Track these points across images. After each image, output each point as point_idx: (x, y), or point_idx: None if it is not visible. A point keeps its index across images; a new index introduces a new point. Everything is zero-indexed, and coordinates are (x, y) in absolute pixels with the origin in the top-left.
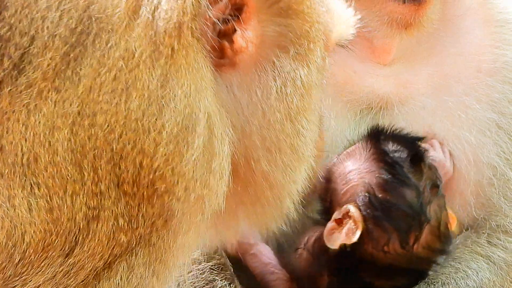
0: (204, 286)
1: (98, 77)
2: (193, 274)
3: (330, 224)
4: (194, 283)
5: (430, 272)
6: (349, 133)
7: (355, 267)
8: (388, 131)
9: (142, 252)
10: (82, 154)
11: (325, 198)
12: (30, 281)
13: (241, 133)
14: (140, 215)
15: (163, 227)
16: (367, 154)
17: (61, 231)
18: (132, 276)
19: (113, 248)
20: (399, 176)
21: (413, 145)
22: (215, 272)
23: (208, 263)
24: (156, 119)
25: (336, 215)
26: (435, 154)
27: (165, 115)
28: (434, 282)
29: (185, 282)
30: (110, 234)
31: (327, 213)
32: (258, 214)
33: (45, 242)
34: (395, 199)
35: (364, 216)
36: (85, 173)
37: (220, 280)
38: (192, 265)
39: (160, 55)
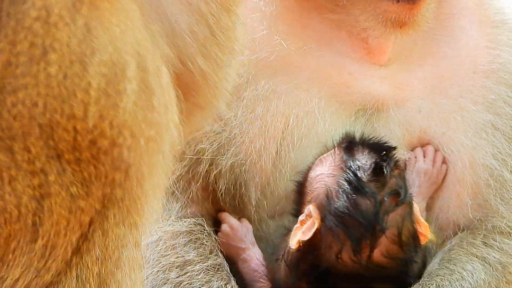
0: (200, 287)
1: (14, 49)
2: (189, 276)
3: (296, 226)
4: (190, 284)
5: (425, 274)
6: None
7: (326, 277)
8: (361, 139)
9: (112, 213)
10: (10, 137)
11: (296, 202)
12: (7, 278)
13: (173, 35)
14: (93, 177)
15: (126, 180)
16: (335, 160)
17: (14, 219)
18: (109, 241)
19: (80, 217)
20: (356, 185)
21: (381, 154)
22: (211, 272)
23: (203, 264)
24: (80, 79)
25: (301, 217)
26: (418, 164)
27: (89, 71)
28: (428, 285)
29: (180, 284)
30: (69, 205)
31: (297, 216)
32: (196, 117)
33: (3, 236)
34: (349, 207)
35: (321, 217)
36: (17, 156)
37: (216, 281)
38: (188, 266)
39: (81, 4)
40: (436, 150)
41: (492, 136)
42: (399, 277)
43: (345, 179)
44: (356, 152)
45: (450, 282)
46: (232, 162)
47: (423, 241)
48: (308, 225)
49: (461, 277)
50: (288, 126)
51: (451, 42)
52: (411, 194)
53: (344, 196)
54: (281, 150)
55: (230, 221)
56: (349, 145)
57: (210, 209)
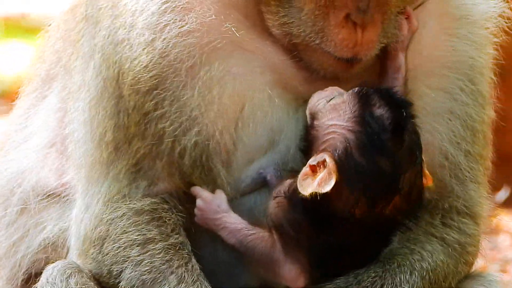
0: (160, 265)
1: None
2: (150, 254)
3: (305, 169)
4: (151, 263)
5: (385, 251)
6: None
7: (327, 219)
8: (378, 90)
9: None
10: None
11: (305, 139)
12: None
13: None
14: None
15: None
16: (352, 112)
17: None
18: None
19: None
20: (377, 144)
21: (399, 111)
22: (172, 251)
23: (165, 242)
24: None
25: (312, 161)
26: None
27: None
28: (390, 263)
29: (141, 262)
30: None
31: (305, 153)
32: None
33: None
34: (369, 165)
35: (338, 170)
36: None
37: (177, 260)
38: (149, 244)
39: None
40: None
41: (448, 121)
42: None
43: (366, 136)
44: (374, 105)
45: (410, 262)
46: (196, 140)
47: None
48: (323, 176)
49: (421, 257)
50: (244, 109)
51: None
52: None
53: (365, 154)
54: (241, 131)
55: (202, 194)
56: (366, 95)
57: (180, 184)
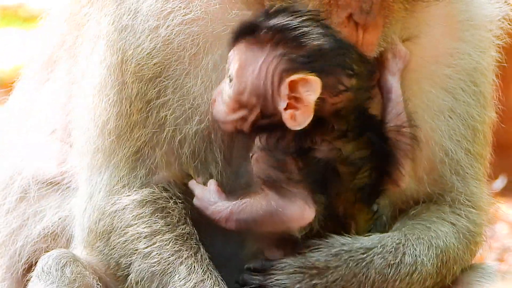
0: (169, 257)
1: None
2: (158, 246)
3: (286, 114)
4: (160, 254)
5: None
6: None
7: (312, 137)
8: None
9: None
10: None
11: (253, 114)
12: None
13: None
14: None
15: None
16: (258, 50)
17: None
18: None
19: None
20: (301, 30)
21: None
22: (180, 242)
23: (172, 234)
24: None
25: (282, 103)
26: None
27: None
28: (410, 233)
29: (150, 254)
30: None
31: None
32: None
33: None
34: (317, 46)
35: (302, 68)
36: None
37: (186, 251)
38: (156, 236)
39: None
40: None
41: (449, 119)
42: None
43: (292, 31)
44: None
45: (428, 238)
46: (197, 128)
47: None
48: (306, 89)
49: (437, 235)
50: None
51: (417, 37)
52: None
53: (304, 42)
54: None
55: (195, 191)
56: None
57: (178, 173)
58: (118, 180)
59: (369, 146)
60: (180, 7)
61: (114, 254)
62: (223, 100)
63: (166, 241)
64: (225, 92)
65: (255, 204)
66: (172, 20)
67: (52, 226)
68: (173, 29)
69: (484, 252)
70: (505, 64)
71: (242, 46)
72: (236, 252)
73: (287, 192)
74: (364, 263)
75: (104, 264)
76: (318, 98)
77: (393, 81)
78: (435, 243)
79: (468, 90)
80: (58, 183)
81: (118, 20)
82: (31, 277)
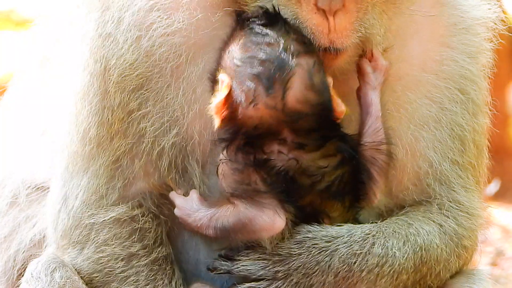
0: (145, 285)
1: None
2: (135, 271)
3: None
4: (136, 281)
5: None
6: None
7: (263, 147)
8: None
9: None
10: None
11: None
12: None
13: None
14: None
15: None
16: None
17: None
18: None
19: None
20: (255, 31)
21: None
22: (156, 268)
23: (148, 258)
24: None
25: (217, 94)
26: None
27: None
28: (386, 227)
29: (126, 279)
30: None
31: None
32: None
33: None
34: (253, 51)
35: (230, 76)
36: None
37: (161, 279)
38: (133, 260)
39: None
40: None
41: (435, 130)
42: (325, 127)
43: (247, 38)
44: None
45: (406, 233)
46: (174, 141)
47: (339, 115)
48: (220, 86)
49: (417, 232)
50: None
51: (404, 38)
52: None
53: (247, 43)
54: None
55: (175, 200)
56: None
57: (156, 186)
58: (96, 189)
59: (336, 154)
60: (162, 18)
61: (87, 266)
62: None
63: (142, 267)
64: None
65: (227, 214)
66: (154, 31)
67: (44, 231)
68: (155, 40)
69: (476, 257)
70: (495, 70)
71: None
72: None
73: (256, 202)
74: (328, 251)
75: (75, 268)
76: (229, 104)
77: (373, 96)
78: (413, 239)
79: (456, 98)
80: (48, 188)
81: (102, 26)
82: (21, 283)
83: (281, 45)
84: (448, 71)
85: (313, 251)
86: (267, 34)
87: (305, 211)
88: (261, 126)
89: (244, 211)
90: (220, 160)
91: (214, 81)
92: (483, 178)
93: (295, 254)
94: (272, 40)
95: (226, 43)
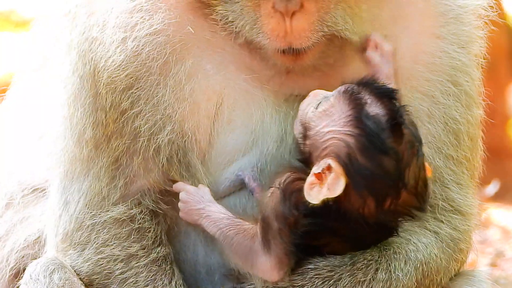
0: (145, 286)
1: None
2: (134, 272)
3: (310, 178)
4: (136, 283)
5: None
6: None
7: (324, 215)
8: (363, 88)
9: None
10: None
11: (302, 151)
12: None
13: None
14: None
15: None
16: (346, 115)
17: None
18: None
19: None
20: (379, 144)
21: (391, 104)
22: (155, 268)
23: (147, 259)
24: None
25: (315, 169)
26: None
27: None
28: (386, 249)
29: (126, 280)
30: None
31: (305, 163)
32: None
33: None
34: (373, 165)
35: (346, 173)
36: None
37: (160, 279)
38: (132, 261)
39: None
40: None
41: (428, 124)
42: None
43: (366, 138)
44: (365, 104)
45: (406, 252)
46: (169, 138)
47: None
48: (331, 181)
49: (417, 248)
50: (221, 106)
51: (394, 29)
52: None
53: (368, 155)
54: (218, 129)
55: (185, 188)
56: (354, 94)
57: (159, 181)
58: (98, 191)
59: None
60: (144, 18)
61: (87, 268)
62: None
63: (141, 267)
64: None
65: (242, 231)
66: (139, 31)
67: (38, 232)
68: (140, 40)
69: (476, 258)
70: (494, 70)
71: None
72: (218, 259)
73: (270, 243)
74: (331, 281)
75: (75, 270)
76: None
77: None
78: (413, 256)
79: (448, 91)
80: (44, 190)
81: (88, 30)
82: (20, 285)
83: (399, 159)
84: (440, 63)
85: (316, 282)
86: (384, 143)
87: (311, 247)
88: (358, 220)
89: (256, 242)
90: (279, 182)
91: (308, 162)
92: (478, 170)
93: (298, 286)
94: (390, 154)
95: (327, 116)
